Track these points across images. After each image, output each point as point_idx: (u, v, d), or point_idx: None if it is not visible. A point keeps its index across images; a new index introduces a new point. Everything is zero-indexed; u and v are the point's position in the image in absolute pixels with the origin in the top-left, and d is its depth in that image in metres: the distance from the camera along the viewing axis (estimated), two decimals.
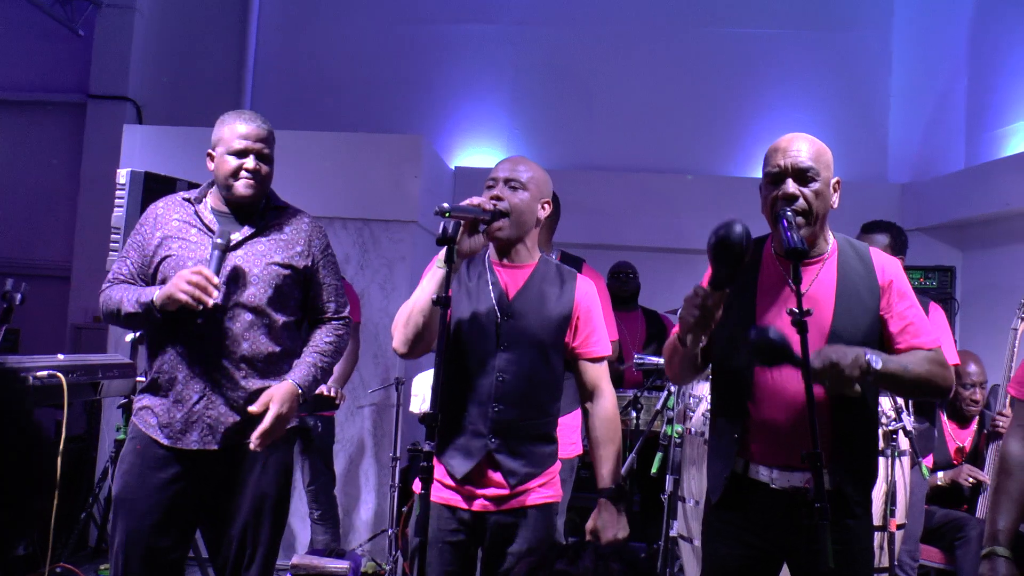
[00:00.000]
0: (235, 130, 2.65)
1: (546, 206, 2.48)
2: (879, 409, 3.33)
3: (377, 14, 7.15)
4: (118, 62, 7.07)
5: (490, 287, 2.45)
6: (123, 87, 7.06)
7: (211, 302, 2.49)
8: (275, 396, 2.61)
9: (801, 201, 2.22)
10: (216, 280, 2.50)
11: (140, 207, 3.66)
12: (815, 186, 2.23)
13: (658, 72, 6.92)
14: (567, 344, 2.49)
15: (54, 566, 4.21)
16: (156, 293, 2.55)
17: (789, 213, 2.18)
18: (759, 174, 2.36)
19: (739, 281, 2.29)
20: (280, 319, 2.67)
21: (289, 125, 6.28)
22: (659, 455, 3.54)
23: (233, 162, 2.65)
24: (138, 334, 3.75)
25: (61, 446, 3.04)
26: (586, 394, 2.54)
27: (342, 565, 4.32)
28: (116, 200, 3.75)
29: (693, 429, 3.58)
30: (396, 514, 4.66)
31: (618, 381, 4.91)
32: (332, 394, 4.50)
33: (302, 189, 5.33)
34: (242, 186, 2.65)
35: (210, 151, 2.70)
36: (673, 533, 3.60)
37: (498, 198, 2.40)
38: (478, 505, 2.40)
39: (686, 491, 3.60)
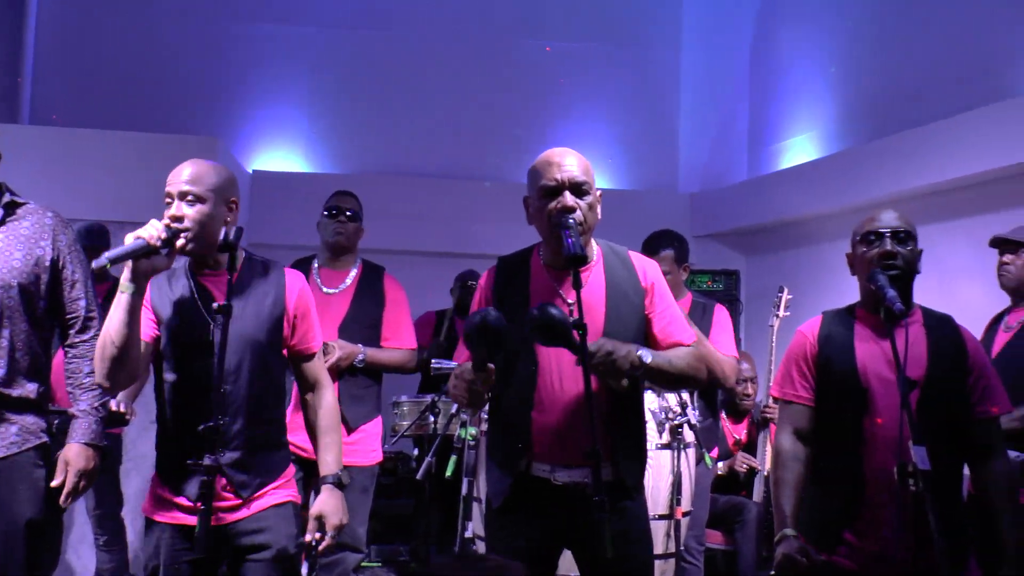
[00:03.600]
0: None
1: (233, 205, 2.40)
2: (666, 405, 3.57)
3: (171, 9, 6.81)
4: None
5: (196, 298, 2.37)
6: None
7: None
8: (70, 460, 2.56)
9: (579, 213, 2.31)
10: None
11: None
12: (589, 199, 2.35)
13: (460, 79, 7.02)
14: (286, 342, 2.47)
15: None
16: None
17: (571, 221, 2.27)
18: None
19: (513, 295, 2.39)
20: (22, 322, 2.53)
21: (73, 122, 5.90)
22: (453, 458, 3.58)
23: None
24: None
25: None
26: (306, 386, 2.55)
27: None
28: None
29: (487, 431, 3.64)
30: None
31: (432, 385, 4.94)
32: (123, 410, 4.23)
33: (88, 191, 5.02)
34: None
35: None
36: (469, 534, 3.65)
37: (177, 217, 2.30)
38: (212, 520, 2.31)
39: (481, 492, 3.66)
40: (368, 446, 3.61)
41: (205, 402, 2.29)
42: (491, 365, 2.18)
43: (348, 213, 3.65)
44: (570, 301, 2.34)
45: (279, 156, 6.79)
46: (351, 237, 3.66)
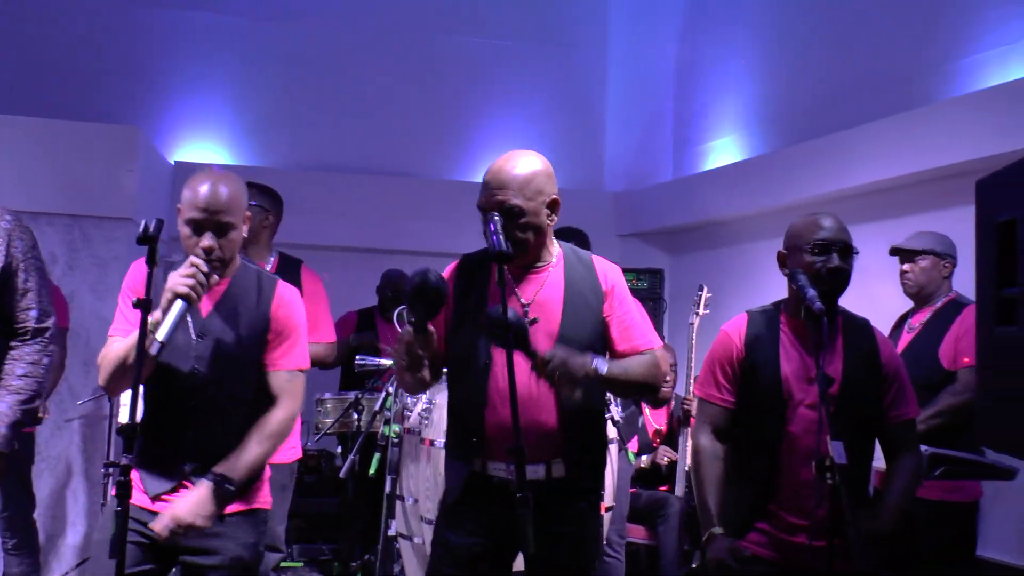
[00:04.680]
0: None
1: (247, 220, 2.38)
2: None
3: None
4: None
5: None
6: None
7: None
8: None
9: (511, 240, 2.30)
10: None
11: None
12: (523, 220, 2.31)
13: (386, 74, 6.98)
14: (265, 355, 2.41)
15: None
16: None
17: (497, 218, 2.27)
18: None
19: (472, 292, 2.39)
20: None
21: None
22: (377, 455, 3.56)
23: None
24: None
25: None
26: (268, 398, 2.44)
27: None
28: None
29: (411, 429, 3.64)
30: (110, 537, 4.32)
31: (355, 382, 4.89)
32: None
33: (0, 179, 4.85)
34: None
35: None
36: (392, 532, 3.64)
37: (209, 249, 2.25)
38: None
39: (404, 490, 3.65)
40: (286, 443, 3.55)
41: (174, 409, 2.29)
42: (432, 328, 2.17)
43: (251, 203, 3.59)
44: (524, 301, 2.37)
45: (202, 148, 6.64)
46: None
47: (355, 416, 4.10)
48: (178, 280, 2.15)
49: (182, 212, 2.30)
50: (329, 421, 4.27)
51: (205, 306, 2.34)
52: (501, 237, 2.21)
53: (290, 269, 3.67)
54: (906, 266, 3.60)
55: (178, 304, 2.13)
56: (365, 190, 6.62)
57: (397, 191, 6.68)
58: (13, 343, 2.53)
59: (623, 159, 7.30)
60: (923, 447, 3.10)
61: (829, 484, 2.21)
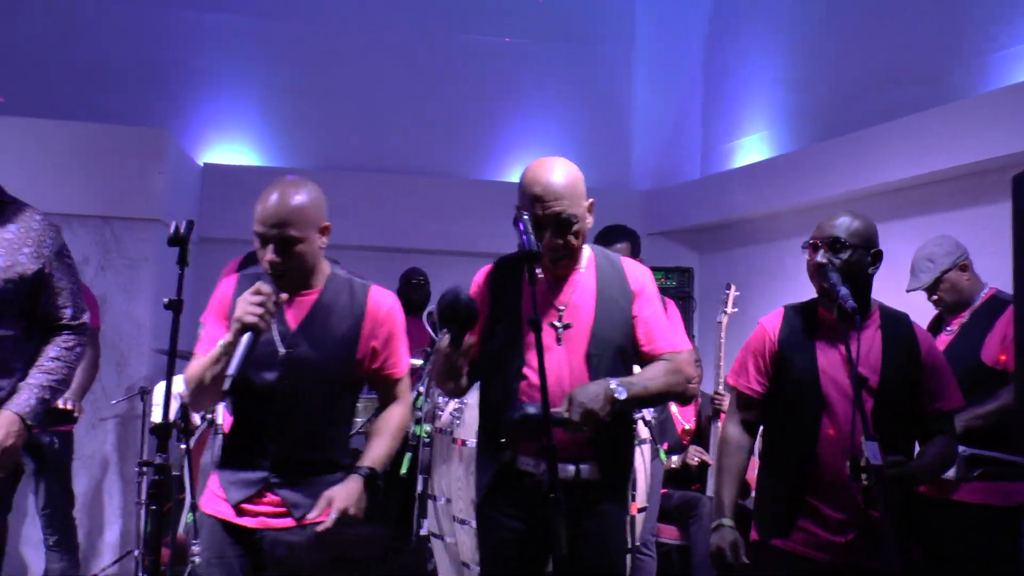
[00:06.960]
0: None
1: (325, 231, 2.33)
2: None
3: None
4: None
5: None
6: None
7: None
8: None
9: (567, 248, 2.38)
10: None
11: None
12: (576, 227, 2.37)
13: (412, 74, 7.00)
14: (361, 365, 2.39)
15: None
16: None
17: (526, 217, 2.28)
18: (512, 178, 2.45)
19: (507, 292, 2.45)
20: None
21: (16, 111, 5.73)
22: (408, 455, 3.56)
23: None
24: None
25: None
26: (384, 402, 2.51)
27: None
28: None
29: (442, 428, 3.64)
30: (144, 534, 4.36)
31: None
32: (70, 407, 4.15)
33: (33, 182, 4.87)
34: None
35: None
36: (424, 532, 3.64)
37: (272, 263, 2.24)
38: (255, 523, 2.31)
39: (436, 489, 3.65)
40: None
41: (260, 421, 2.29)
42: (468, 339, 2.26)
43: None
44: (559, 306, 2.41)
45: (230, 149, 6.69)
46: None
47: None
48: (245, 309, 2.12)
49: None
50: (360, 420, 4.28)
51: (294, 318, 2.32)
52: (532, 237, 2.22)
53: None
54: (934, 296, 3.52)
55: (247, 335, 2.12)
56: (392, 190, 6.65)
57: (424, 191, 6.70)
58: (52, 336, 2.60)
59: (650, 157, 7.27)
60: (961, 447, 3.06)
61: (864, 485, 2.19)
